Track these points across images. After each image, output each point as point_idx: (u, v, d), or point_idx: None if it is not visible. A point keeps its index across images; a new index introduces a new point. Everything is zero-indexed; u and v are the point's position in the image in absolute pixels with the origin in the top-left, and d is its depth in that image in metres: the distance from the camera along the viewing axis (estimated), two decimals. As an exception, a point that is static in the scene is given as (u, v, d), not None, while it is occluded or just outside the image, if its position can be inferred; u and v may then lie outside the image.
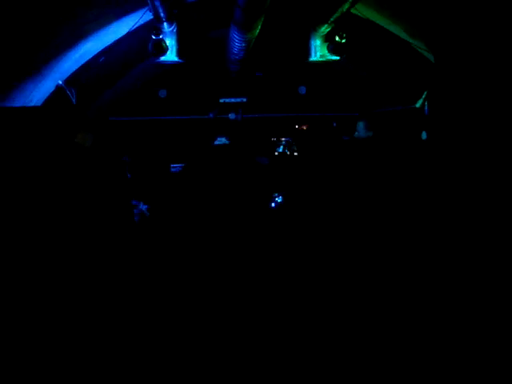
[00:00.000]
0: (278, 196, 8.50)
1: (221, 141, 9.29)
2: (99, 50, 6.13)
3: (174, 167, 9.18)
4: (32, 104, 5.77)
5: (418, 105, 6.32)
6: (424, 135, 6.25)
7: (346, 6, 4.98)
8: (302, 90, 9.20)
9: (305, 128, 9.29)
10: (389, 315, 4.65)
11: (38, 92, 5.80)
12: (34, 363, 3.90)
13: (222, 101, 9.23)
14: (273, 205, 8.48)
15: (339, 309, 4.87)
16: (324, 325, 4.61)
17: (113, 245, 5.96)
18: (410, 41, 6.03)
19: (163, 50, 5.80)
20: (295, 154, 9.21)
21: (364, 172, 5.67)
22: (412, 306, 4.72)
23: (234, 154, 8.86)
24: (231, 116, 9.25)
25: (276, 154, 9.18)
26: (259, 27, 5.41)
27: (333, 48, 6.16)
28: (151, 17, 5.59)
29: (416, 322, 4.47)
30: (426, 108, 6.25)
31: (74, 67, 6.08)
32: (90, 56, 6.12)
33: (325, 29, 5.94)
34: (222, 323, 4.68)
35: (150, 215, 7.43)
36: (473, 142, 5.27)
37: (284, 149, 9.23)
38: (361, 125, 5.84)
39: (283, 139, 9.23)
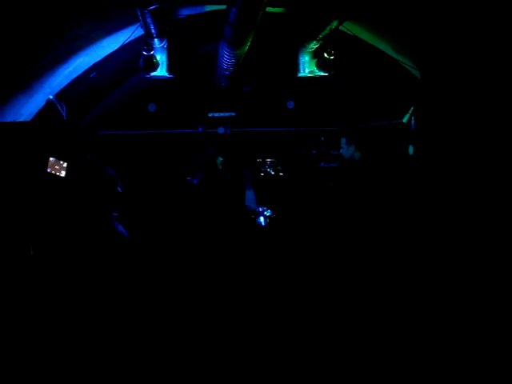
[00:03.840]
0: (266, 210, 8.54)
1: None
2: (90, 64, 6.14)
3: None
4: (22, 119, 5.78)
5: (404, 120, 6.40)
6: (411, 150, 6.33)
7: (335, 23, 5.07)
8: (291, 104, 9.29)
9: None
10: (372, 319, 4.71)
11: (29, 107, 5.80)
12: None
13: (210, 115, 9.28)
14: (261, 220, 8.51)
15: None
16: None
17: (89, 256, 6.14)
18: (397, 57, 6.13)
19: (154, 66, 5.84)
20: (280, 174, 9.30)
21: (351, 187, 5.73)
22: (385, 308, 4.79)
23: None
24: (220, 130, 9.29)
25: (262, 174, 9.28)
26: (249, 43, 5.48)
27: (321, 64, 6.25)
28: (142, 32, 5.64)
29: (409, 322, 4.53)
30: (412, 123, 6.34)
31: (65, 82, 6.10)
32: (81, 71, 6.13)
33: (313, 45, 6.02)
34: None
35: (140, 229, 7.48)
36: (459, 156, 5.36)
37: (268, 169, 9.34)
38: (343, 141, 5.91)
39: (268, 160, 9.33)
